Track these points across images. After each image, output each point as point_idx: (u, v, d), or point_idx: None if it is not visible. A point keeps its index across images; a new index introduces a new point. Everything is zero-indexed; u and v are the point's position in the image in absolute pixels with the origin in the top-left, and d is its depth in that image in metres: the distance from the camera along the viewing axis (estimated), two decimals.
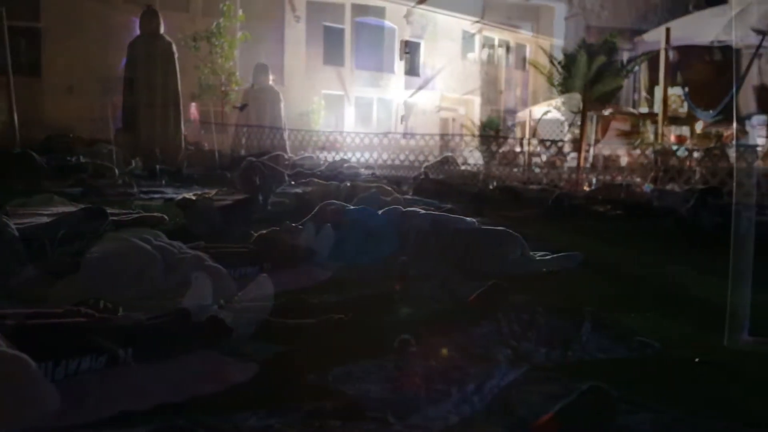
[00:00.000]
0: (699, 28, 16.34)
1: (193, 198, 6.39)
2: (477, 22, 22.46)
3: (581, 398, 1.80)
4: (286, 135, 12.41)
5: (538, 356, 2.50)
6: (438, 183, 10.03)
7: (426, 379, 2.13)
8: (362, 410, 1.91)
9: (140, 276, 2.89)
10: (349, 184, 8.62)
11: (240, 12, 14.72)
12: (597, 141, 15.08)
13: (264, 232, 4.47)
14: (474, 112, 24.07)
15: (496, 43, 25.33)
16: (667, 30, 14.93)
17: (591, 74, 21.34)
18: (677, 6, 22.48)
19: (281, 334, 2.38)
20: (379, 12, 20.28)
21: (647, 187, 9.56)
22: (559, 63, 24.35)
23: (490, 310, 2.77)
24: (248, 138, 13.03)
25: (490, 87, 24.73)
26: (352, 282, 3.41)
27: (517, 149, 18.36)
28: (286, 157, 11.53)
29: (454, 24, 23.37)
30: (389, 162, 15.68)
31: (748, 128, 13.21)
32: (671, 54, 14.11)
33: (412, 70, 22.88)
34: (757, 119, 12.78)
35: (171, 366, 2.09)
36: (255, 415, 1.84)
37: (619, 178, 11.15)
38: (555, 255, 4.22)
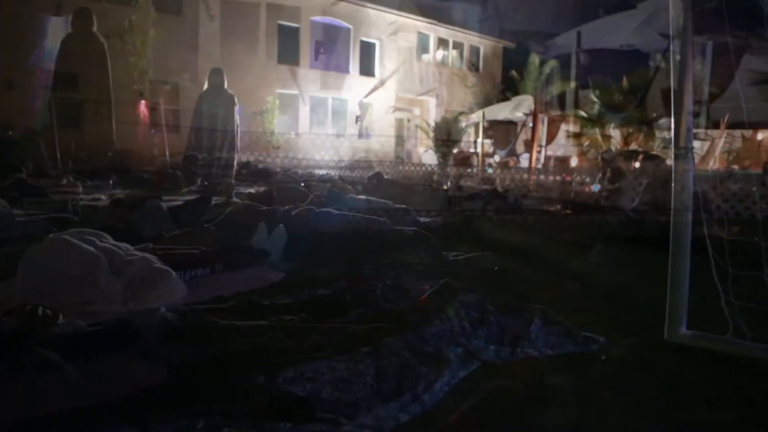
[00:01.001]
0: (609, 33, 16.97)
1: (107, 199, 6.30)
2: (395, 21, 22.70)
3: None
4: (238, 137, 12.27)
5: (487, 353, 2.55)
6: (390, 183, 10.09)
7: (377, 378, 2.14)
8: (313, 411, 1.91)
9: (83, 280, 2.78)
10: (303, 184, 8.59)
11: (152, 10, 14.54)
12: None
13: (176, 232, 4.43)
14: (429, 112, 24.26)
15: (451, 44, 25.60)
16: (578, 33, 15.42)
17: (544, 77, 21.93)
18: (588, 10, 23.26)
19: (230, 336, 2.34)
20: (295, 12, 20.11)
21: (595, 187, 9.86)
22: (473, 65, 24.98)
23: (441, 309, 2.80)
24: (196, 139, 12.79)
25: (444, 88, 24.99)
26: (304, 283, 3.38)
27: (471, 150, 18.63)
28: (200, 157, 11.51)
29: (409, 24, 23.49)
30: (340, 162, 15.73)
31: (656, 131, 13.86)
32: (582, 57, 14.60)
33: (367, 70, 22.86)
34: (665, 122, 13.38)
35: (98, 369, 2.03)
36: (204, 418, 1.81)
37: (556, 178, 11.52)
38: (467, 255, 4.37)
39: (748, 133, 14.61)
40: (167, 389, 1.97)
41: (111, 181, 9.39)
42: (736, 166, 14.00)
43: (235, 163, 11.40)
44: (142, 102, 15.17)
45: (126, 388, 1.95)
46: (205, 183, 9.45)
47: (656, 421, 2.01)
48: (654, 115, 13.64)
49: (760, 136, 14.74)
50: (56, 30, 12.35)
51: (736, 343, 2.59)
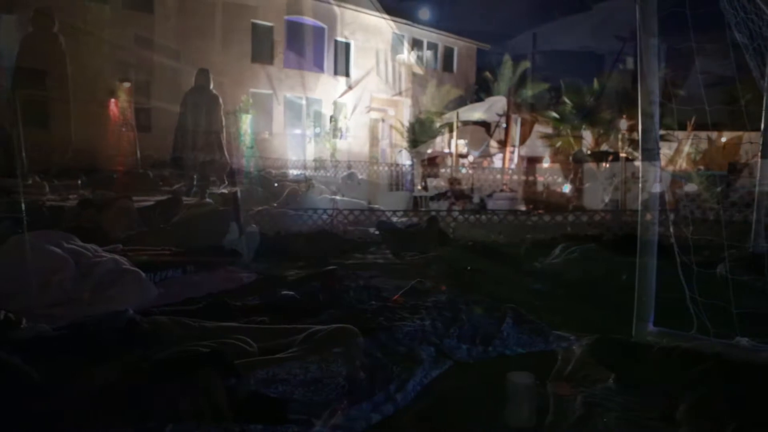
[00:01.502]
0: (565, 34, 17.26)
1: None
2: (369, 21, 22.84)
3: None
4: (224, 138, 12.21)
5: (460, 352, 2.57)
6: (363, 183, 10.09)
7: (350, 378, 2.14)
8: (285, 413, 1.90)
9: (48, 282, 2.72)
10: (276, 184, 8.55)
11: (107, 8, 14.35)
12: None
13: (131, 233, 4.42)
14: (403, 113, 24.30)
15: (425, 45, 25.71)
16: (534, 35, 15.66)
17: (516, 78, 22.18)
18: (544, 12, 23.60)
19: (202, 338, 2.31)
20: (253, 11, 19.96)
21: (565, 187, 10.00)
22: (447, 66, 25.17)
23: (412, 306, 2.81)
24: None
25: (419, 88, 25.04)
26: (275, 284, 3.36)
27: (445, 150, 18.72)
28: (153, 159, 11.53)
29: (383, 25, 23.52)
30: (314, 162, 15.68)
31: (612, 132, 14.17)
32: (538, 58, 14.86)
33: (341, 70, 22.80)
34: (622, 123, 13.69)
35: (62, 373, 1.98)
36: (172, 420, 1.78)
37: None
38: (420, 255, 4.56)
39: (714, 135, 14.95)
40: (135, 392, 1.94)
41: (79, 181, 9.18)
42: (702, 167, 14.33)
43: (223, 163, 11.26)
44: (112, 100, 14.88)
45: (92, 391, 1.91)
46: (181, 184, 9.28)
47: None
48: (622, 117, 13.90)
49: (724, 138, 15.10)
50: (17, 28, 12.06)
51: (700, 339, 2.66)
